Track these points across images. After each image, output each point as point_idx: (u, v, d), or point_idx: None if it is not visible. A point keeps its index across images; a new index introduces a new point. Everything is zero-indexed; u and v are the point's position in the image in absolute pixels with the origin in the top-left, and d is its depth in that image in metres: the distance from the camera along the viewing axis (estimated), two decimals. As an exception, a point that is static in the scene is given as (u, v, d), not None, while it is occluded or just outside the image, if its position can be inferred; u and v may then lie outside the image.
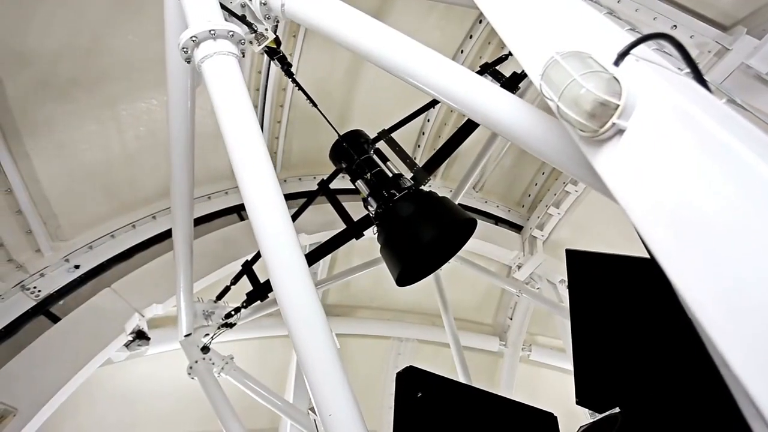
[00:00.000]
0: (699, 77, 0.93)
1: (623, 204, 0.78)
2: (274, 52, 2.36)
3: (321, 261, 4.66)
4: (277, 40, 2.19)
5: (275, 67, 4.09)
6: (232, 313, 3.46)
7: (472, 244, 5.55)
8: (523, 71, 3.67)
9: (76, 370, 3.12)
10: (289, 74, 2.55)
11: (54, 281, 3.45)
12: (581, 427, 2.10)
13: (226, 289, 3.50)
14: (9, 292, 3.26)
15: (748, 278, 0.55)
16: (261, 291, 3.21)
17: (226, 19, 1.91)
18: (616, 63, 0.91)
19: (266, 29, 2.02)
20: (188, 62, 1.78)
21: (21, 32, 2.77)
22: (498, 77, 3.59)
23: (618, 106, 0.83)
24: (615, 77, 0.87)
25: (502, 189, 6.02)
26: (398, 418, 2.21)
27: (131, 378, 4.20)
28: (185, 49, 1.74)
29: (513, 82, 3.55)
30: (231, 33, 1.75)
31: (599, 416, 2.01)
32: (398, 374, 2.32)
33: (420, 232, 2.42)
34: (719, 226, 0.58)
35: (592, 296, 2.10)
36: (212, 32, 1.72)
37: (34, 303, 3.31)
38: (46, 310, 3.34)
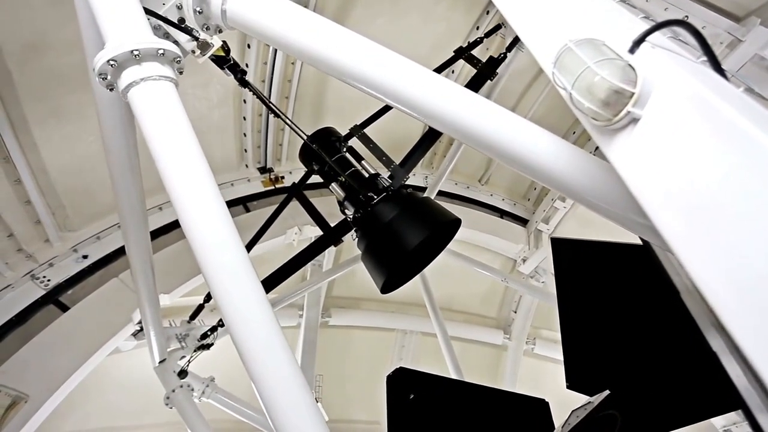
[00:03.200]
0: (716, 65, 0.91)
1: (636, 193, 0.77)
2: (223, 61, 2.08)
3: (326, 251, 4.66)
4: (224, 47, 1.91)
5: (280, 58, 4.08)
6: (208, 333, 3.29)
7: (476, 237, 5.58)
8: (500, 55, 3.56)
9: (86, 358, 3.17)
10: (244, 83, 2.30)
11: (63, 271, 3.50)
12: (574, 410, 2.12)
13: (200, 308, 3.34)
14: (19, 281, 3.31)
15: (765, 267, 0.54)
16: None
17: (155, 30, 1.60)
18: (632, 50, 0.89)
19: (211, 36, 1.71)
20: (111, 90, 1.42)
21: (29, 23, 2.78)
22: (474, 62, 3.47)
23: (633, 94, 0.81)
24: (630, 65, 0.85)
25: (507, 182, 5.99)
26: (393, 422, 2.21)
27: (139, 366, 4.25)
28: (103, 75, 1.37)
29: (490, 67, 3.43)
30: (161, 51, 1.39)
31: (591, 399, 2.03)
32: (389, 377, 2.31)
33: (404, 239, 2.27)
34: (737, 213, 0.57)
35: (577, 282, 2.12)
36: (135, 53, 1.34)
37: (44, 292, 3.36)
38: (55, 299, 3.39)
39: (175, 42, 1.66)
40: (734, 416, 4.15)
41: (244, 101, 4.27)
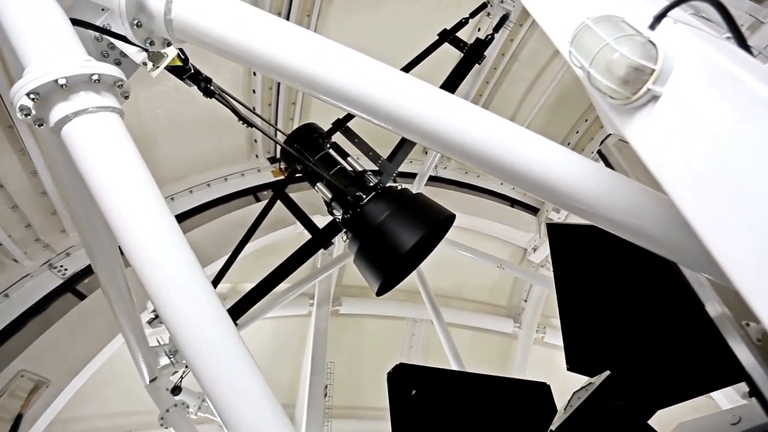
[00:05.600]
0: (741, 41, 0.88)
1: (657, 173, 0.76)
2: (182, 71, 1.88)
3: (336, 238, 4.68)
4: (181, 55, 1.69)
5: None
6: None
7: (486, 225, 5.55)
8: (487, 37, 3.41)
9: (103, 345, 3.25)
10: (208, 93, 2.04)
11: (79, 260, 3.57)
12: (575, 392, 2.13)
13: None
14: (38, 271, 3.39)
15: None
16: None
17: (97, 41, 1.36)
18: (652, 26, 0.86)
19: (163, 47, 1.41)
20: (40, 126, 1.15)
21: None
22: (460, 45, 3.33)
23: (653, 70, 0.79)
24: (651, 41, 0.82)
25: (518, 170, 5.93)
26: (396, 420, 2.20)
27: (155, 354, 4.35)
28: (26, 111, 1.10)
29: (477, 50, 3.31)
30: (95, 77, 1.13)
31: (592, 380, 2.04)
32: (389, 375, 2.30)
33: (397, 241, 2.17)
34: (764, 189, 0.55)
35: (574, 265, 2.12)
36: (62, 83, 1.08)
37: (62, 281, 3.44)
38: (72, 287, 3.47)
39: (122, 54, 1.45)
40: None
41: (254, 91, 4.27)
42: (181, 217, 4.11)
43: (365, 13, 4.12)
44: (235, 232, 4.14)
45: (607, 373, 1.96)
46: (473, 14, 3.47)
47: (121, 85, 1.22)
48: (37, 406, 2.89)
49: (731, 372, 1.30)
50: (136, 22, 1.28)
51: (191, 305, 1.09)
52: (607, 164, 1.88)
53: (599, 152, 1.97)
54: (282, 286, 3.54)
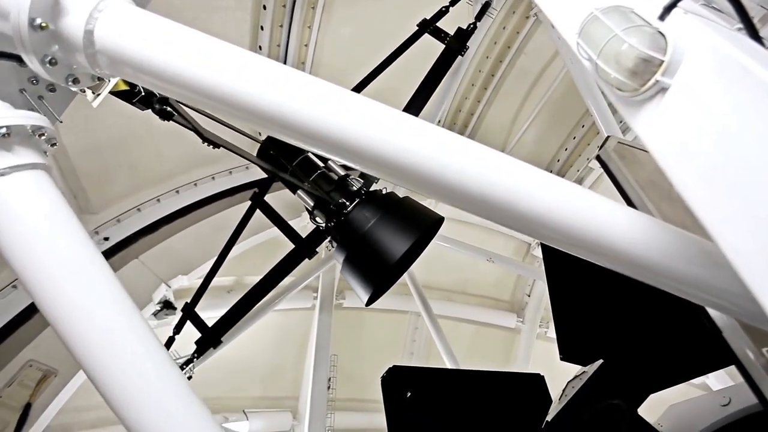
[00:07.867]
0: (753, 32, 0.86)
1: (665, 166, 0.75)
2: (130, 95, 1.71)
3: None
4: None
5: (295, 34, 4.00)
6: (183, 366, 3.00)
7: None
8: (469, 26, 3.26)
9: (110, 336, 3.28)
10: (165, 115, 1.91)
11: (86, 252, 3.60)
12: (569, 381, 2.14)
13: (171, 340, 3.06)
14: (45, 262, 3.43)
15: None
16: (212, 336, 2.74)
17: (21, 69, 1.13)
18: (662, 17, 0.85)
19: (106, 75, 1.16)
20: None
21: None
22: (441, 36, 3.18)
23: (662, 62, 0.78)
24: (660, 32, 0.81)
25: (525, 160, 5.90)
26: (393, 423, 2.21)
27: (160, 345, 4.40)
28: None
29: (460, 40, 3.17)
30: (3, 131, 0.92)
31: (586, 369, 2.05)
32: (383, 378, 2.29)
33: (387, 250, 2.10)
34: (775, 183, 0.55)
35: (564, 254, 2.12)
36: None
37: (69, 273, 3.47)
38: (79, 279, 3.50)
39: (52, 86, 1.23)
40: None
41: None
42: (185, 210, 4.14)
43: (370, 4, 4.09)
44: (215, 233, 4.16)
45: (600, 361, 1.97)
46: (453, 2, 3.25)
47: (43, 134, 0.98)
48: (46, 395, 2.93)
49: (721, 356, 1.30)
50: (48, 59, 1.01)
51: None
52: (607, 170, 1.86)
53: (598, 158, 1.93)
54: (286, 280, 3.56)
